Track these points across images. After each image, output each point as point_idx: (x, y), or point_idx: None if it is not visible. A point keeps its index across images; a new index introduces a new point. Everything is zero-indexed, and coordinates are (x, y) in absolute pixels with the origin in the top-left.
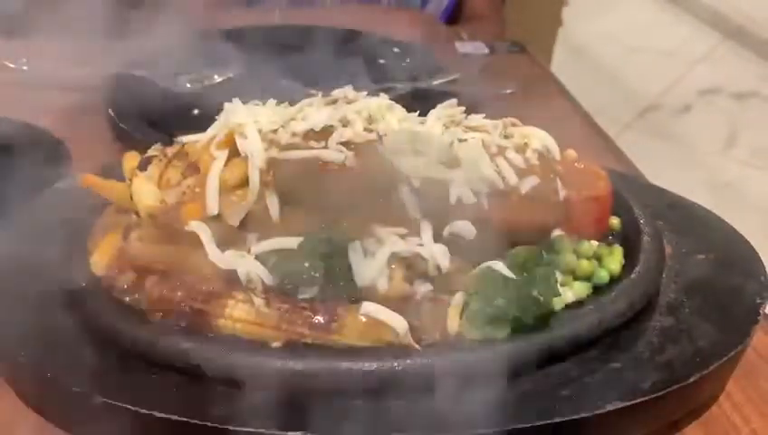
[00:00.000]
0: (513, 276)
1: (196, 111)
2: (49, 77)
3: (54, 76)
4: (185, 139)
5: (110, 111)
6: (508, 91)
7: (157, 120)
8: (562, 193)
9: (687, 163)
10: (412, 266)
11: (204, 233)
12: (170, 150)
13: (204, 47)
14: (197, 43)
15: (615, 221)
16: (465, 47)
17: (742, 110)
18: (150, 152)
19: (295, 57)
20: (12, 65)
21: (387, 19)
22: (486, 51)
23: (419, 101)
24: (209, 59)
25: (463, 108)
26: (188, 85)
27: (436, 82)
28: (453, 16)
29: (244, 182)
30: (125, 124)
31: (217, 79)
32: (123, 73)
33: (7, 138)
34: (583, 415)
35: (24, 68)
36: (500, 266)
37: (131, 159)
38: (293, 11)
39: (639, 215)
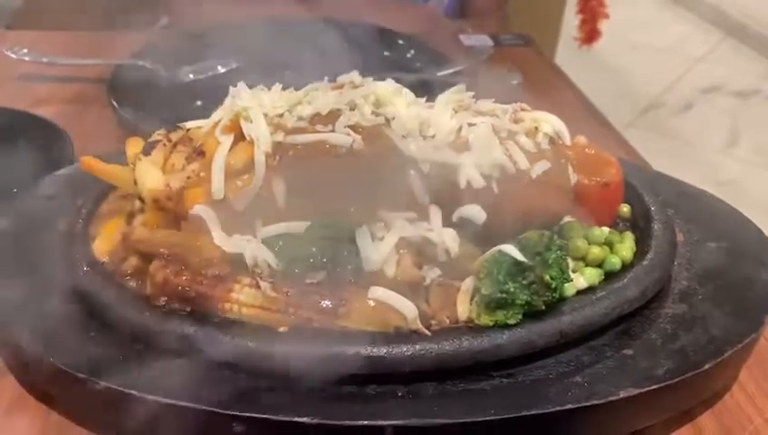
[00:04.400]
0: (525, 260)
1: (199, 103)
2: (52, 68)
3: (57, 67)
4: (189, 124)
5: (113, 101)
6: (514, 82)
7: (160, 111)
8: (573, 179)
9: (689, 161)
10: (421, 251)
11: (209, 216)
12: (174, 136)
13: (207, 38)
14: (201, 33)
15: (625, 209)
16: (469, 40)
17: (743, 108)
18: (154, 137)
19: (299, 49)
20: (13, 55)
21: (390, 12)
22: (491, 43)
23: (424, 93)
24: (213, 50)
25: (471, 93)
26: (191, 76)
27: (440, 73)
28: (455, 12)
29: (250, 167)
30: (128, 115)
31: (221, 70)
32: (126, 64)
33: (9, 127)
34: (595, 402)
35: (26, 58)
36: (511, 250)
37: (134, 145)
38: (297, 3)
39: (650, 202)
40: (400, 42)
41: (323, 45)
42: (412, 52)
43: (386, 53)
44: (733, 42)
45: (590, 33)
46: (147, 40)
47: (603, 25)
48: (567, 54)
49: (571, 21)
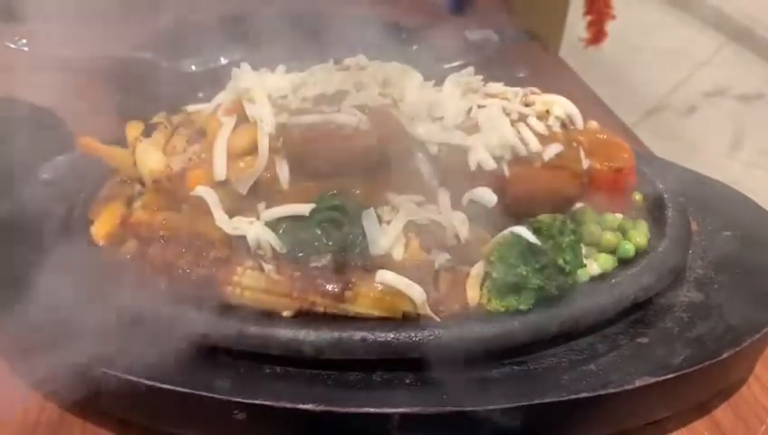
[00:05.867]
0: (539, 243)
1: (201, 94)
2: (52, 59)
3: (57, 58)
4: (191, 108)
5: (114, 93)
6: (520, 75)
7: (161, 103)
8: (586, 163)
9: (693, 164)
10: (429, 235)
11: (210, 198)
12: (176, 118)
13: (209, 30)
14: (203, 25)
15: (638, 197)
16: (474, 35)
17: (747, 111)
18: (155, 120)
19: (301, 42)
20: (13, 46)
21: (394, 7)
22: (496, 38)
23: None
24: (215, 42)
25: (480, 76)
26: (194, 68)
27: (445, 67)
28: (459, 8)
29: (253, 149)
30: (130, 107)
31: (223, 61)
32: (129, 56)
33: (9, 117)
34: (611, 390)
35: (25, 49)
36: (524, 232)
37: (135, 128)
38: None
39: (663, 190)
40: (404, 35)
41: (326, 38)
42: (416, 46)
43: (389, 47)
44: (736, 46)
45: (596, 34)
46: (149, 31)
47: (608, 27)
48: (570, 57)
49: (574, 24)
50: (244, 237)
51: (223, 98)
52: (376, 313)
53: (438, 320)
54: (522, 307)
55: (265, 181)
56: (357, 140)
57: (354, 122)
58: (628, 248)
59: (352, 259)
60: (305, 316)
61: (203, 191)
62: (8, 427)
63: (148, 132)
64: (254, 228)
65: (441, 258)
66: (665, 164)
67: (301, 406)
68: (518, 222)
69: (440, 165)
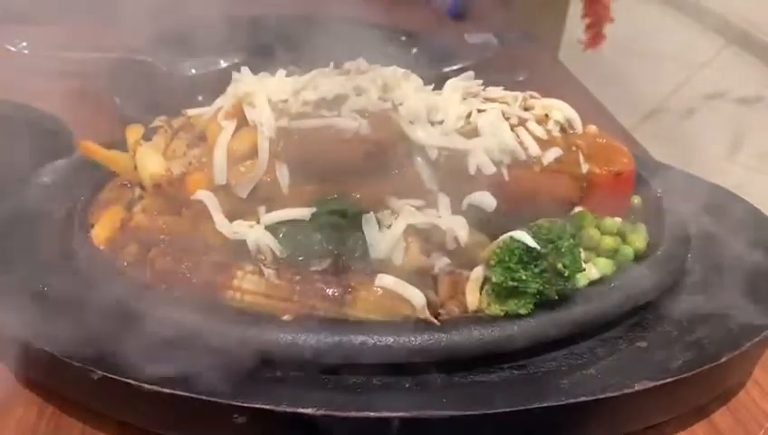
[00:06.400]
0: (538, 247)
1: (200, 98)
2: (52, 61)
3: (57, 61)
4: (191, 111)
5: (113, 96)
6: (519, 78)
7: (161, 106)
8: (585, 167)
9: (692, 167)
10: (429, 239)
11: (211, 202)
12: (176, 122)
13: (209, 33)
14: (202, 28)
15: (636, 200)
16: (473, 38)
17: (747, 114)
18: (155, 123)
19: (301, 45)
20: (13, 48)
21: (394, 11)
22: (495, 42)
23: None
24: (214, 45)
25: (480, 80)
26: (193, 71)
27: (445, 70)
28: (459, 13)
29: (253, 153)
30: (128, 109)
31: (223, 64)
32: (127, 58)
33: (10, 119)
34: (610, 394)
35: (25, 51)
36: (524, 236)
37: (135, 132)
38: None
39: (662, 194)
40: (403, 39)
41: (326, 42)
42: (415, 49)
43: (388, 51)
44: (735, 49)
45: (594, 37)
46: (149, 34)
47: (607, 30)
48: (570, 60)
49: (573, 28)
50: (244, 241)
51: (223, 102)
52: (376, 317)
53: (438, 324)
54: (521, 311)
55: (266, 185)
56: (357, 144)
57: (354, 127)
58: (628, 252)
59: (352, 263)
60: (305, 320)
61: (203, 195)
62: (8, 427)
63: (148, 136)
64: (254, 232)
65: (441, 262)
66: (664, 168)
67: (301, 410)
68: (517, 226)
69: (440, 169)
